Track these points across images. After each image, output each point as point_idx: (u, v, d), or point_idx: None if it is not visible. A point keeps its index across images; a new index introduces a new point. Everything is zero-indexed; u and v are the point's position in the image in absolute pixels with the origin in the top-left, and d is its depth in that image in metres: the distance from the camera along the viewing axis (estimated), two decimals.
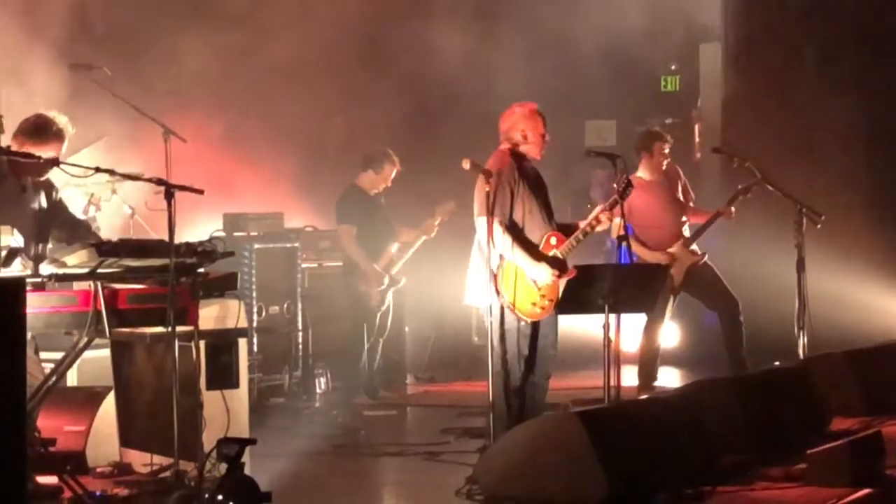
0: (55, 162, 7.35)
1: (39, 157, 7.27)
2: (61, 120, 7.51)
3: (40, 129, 7.45)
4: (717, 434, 7.51)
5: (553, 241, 7.93)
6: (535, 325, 7.97)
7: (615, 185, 8.00)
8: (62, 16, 10.43)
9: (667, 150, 10.38)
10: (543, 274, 7.79)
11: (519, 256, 7.80)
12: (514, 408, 7.92)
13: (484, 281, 7.80)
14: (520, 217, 7.91)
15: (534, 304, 7.85)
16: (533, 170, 8.10)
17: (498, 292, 7.79)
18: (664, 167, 10.38)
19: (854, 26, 12.65)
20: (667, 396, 8.69)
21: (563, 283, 7.89)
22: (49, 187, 7.63)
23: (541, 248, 7.90)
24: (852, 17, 12.65)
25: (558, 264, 7.86)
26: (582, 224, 8.00)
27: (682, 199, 10.40)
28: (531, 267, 7.81)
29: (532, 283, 7.83)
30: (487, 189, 7.67)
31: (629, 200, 9.78)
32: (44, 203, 7.56)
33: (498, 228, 7.72)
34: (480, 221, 7.79)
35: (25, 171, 7.41)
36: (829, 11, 12.72)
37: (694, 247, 10.30)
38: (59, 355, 7.23)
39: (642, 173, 10.34)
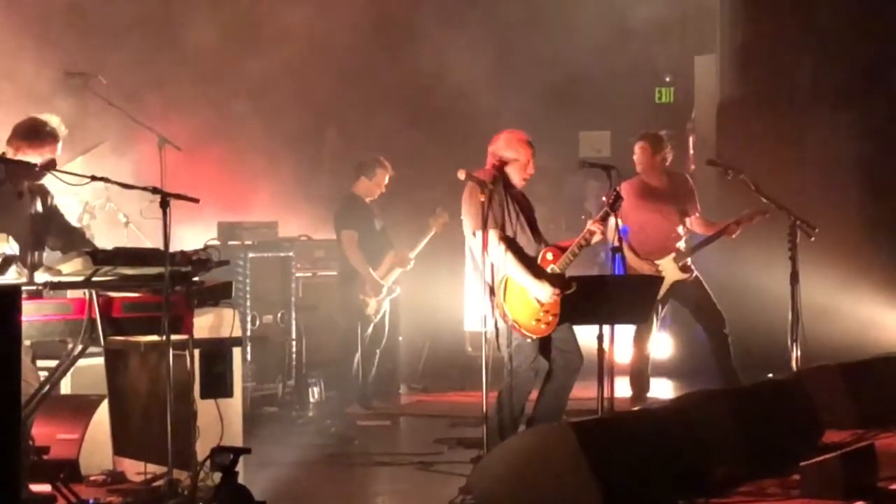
0: (52, 165, 7.37)
1: (36, 165, 7.29)
2: (54, 121, 7.53)
3: (35, 131, 7.46)
4: (711, 446, 7.51)
5: (549, 256, 7.93)
6: (547, 337, 7.98)
7: (604, 199, 8.00)
8: (58, 24, 10.43)
9: (639, 152, 10.40)
10: (546, 292, 7.77)
11: (520, 274, 7.77)
12: (517, 422, 7.90)
13: (483, 301, 7.78)
14: (510, 233, 7.90)
15: (537, 320, 7.82)
16: (519, 192, 8.10)
17: (502, 312, 7.78)
18: (653, 169, 10.37)
19: (849, 40, 12.68)
20: (660, 408, 8.69)
21: None
22: (45, 193, 7.63)
23: (538, 262, 7.91)
24: (847, 30, 12.68)
25: (559, 280, 7.84)
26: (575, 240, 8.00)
27: (684, 211, 10.38)
28: (533, 285, 7.78)
29: (534, 299, 7.81)
30: (482, 199, 7.67)
31: (628, 203, 9.83)
32: (39, 209, 7.57)
33: (494, 241, 7.69)
34: (477, 239, 7.78)
35: (22, 176, 7.42)
36: (824, 25, 12.75)
37: (688, 261, 10.29)
38: (53, 363, 7.23)
39: (645, 178, 10.39)
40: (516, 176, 8.05)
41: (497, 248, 7.71)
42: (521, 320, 7.79)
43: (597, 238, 7.97)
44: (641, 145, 10.42)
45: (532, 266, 7.84)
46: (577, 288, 7.84)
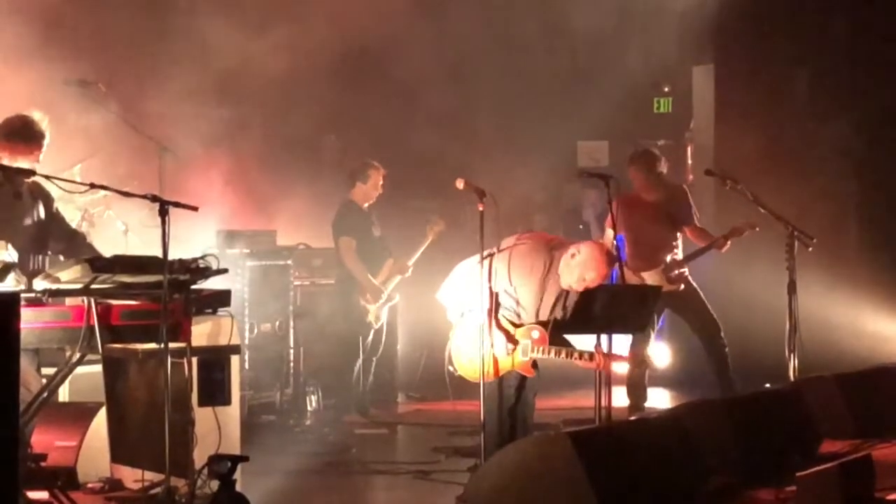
0: (32, 173, 7.43)
1: (32, 170, 7.35)
2: (41, 119, 7.57)
3: (25, 129, 7.50)
4: (708, 456, 7.52)
5: (535, 333, 7.98)
6: None
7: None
8: (57, 31, 10.44)
9: (659, 170, 10.43)
10: (500, 342, 7.86)
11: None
12: (507, 428, 7.97)
13: (465, 290, 7.91)
14: (515, 283, 7.96)
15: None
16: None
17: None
18: (649, 185, 10.40)
19: (845, 49, 12.71)
20: (657, 417, 8.71)
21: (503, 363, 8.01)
22: (47, 198, 7.66)
23: (521, 329, 8.01)
24: (844, 40, 12.71)
25: (513, 342, 7.99)
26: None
27: (679, 223, 10.41)
28: (494, 329, 7.90)
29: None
30: (481, 209, 7.75)
31: (621, 216, 9.85)
32: (42, 213, 7.59)
33: (485, 272, 7.80)
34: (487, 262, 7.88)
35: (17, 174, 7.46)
36: (821, 35, 12.78)
37: (685, 272, 10.30)
38: (51, 370, 7.24)
39: (641, 191, 10.42)
40: (568, 272, 7.96)
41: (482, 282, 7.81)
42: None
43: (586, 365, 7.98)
44: (634, 169, 10.47)
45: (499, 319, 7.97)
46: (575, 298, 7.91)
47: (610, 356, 7.78)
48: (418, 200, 12.52)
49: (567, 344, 7.98)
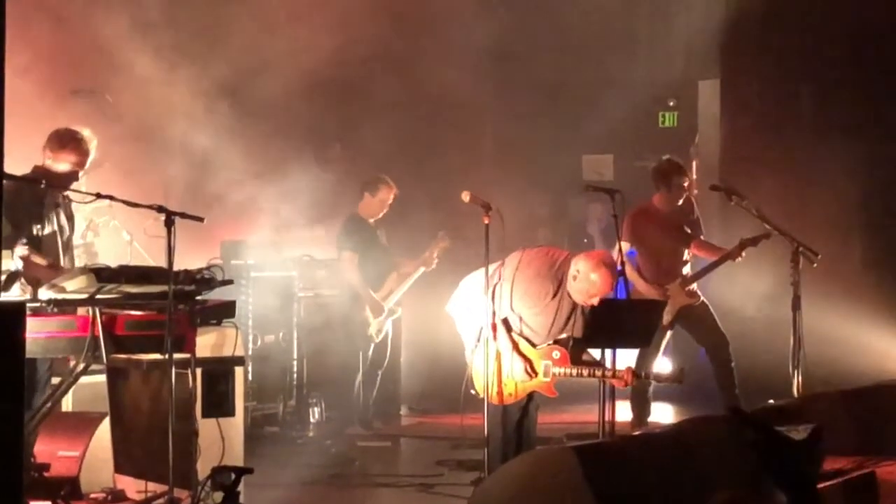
0: (69, 178, 7.49)
1: (42, 182, 7.40)
2: (89, 138, 7.67)
3: (68, 136, 7.57)
4: (711, 471, 7.50)
5: (556, 354, 7.94)
6: None
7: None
8: (65, 42, 10.47)
9: (685, 184, 10.40)
10: (520, 365, 7.83)
11: (503, 338, 7.84)
12: (512, 441, 7.95)
13: (474, 303, 7.87)
14: (521, 314, 7.92)
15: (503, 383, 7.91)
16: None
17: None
18: (673, 194, 10.37)
19: (851, 66, 12.72)
20: (661, 432, 8.68)
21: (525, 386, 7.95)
22: (71, 209, 7.77)
23: (541, 349, 7.95)
24: (850, 56, 12.72)
25: (531, 365, 7.92)
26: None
27: (691, 236, 10.40)
28: (508, 353, 7.86)
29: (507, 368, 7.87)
30: (486, 222, 7.73)
31: (641, 229, 9.81)
32: (71, 218, 7.72)
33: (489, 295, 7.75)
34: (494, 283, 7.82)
35: (59, 184, 7.54)
36: (827, 51, 12.79)
37: (694, 286, 10.30)
38: (56, 380, 7.25)
39: (658, 203, 10.37)
40: (574, 294, 7.91)
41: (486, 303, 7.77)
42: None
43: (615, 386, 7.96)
44: (687, 176, 10.43)
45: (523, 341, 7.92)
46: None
47: (634, 373, 7.80)
48: (423, 213, 12.51)
49: (588, 361, 7.95)
